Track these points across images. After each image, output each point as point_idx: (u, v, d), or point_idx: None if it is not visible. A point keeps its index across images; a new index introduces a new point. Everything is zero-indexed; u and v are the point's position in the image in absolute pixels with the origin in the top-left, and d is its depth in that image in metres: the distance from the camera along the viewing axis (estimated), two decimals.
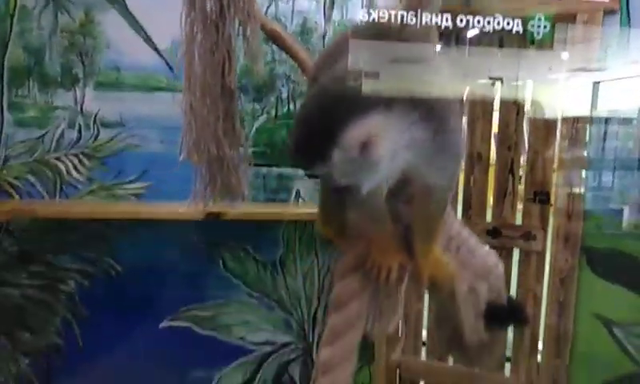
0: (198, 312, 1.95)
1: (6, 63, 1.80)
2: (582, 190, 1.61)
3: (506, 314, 1.05)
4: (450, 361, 1.79)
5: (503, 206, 1.71)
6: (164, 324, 1.93)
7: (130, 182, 1.86)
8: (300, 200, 1.93)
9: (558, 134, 1.62)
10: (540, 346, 1.70)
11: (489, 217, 1.75)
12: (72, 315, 1.90)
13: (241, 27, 1.16)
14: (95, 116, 1.84)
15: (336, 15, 1.88)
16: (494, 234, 1.68)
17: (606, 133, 1.60)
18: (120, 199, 1.86)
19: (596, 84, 1.56)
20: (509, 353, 1.74)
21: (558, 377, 1.65)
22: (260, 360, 1.99)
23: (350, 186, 0.75)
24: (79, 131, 1.84)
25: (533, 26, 0.92)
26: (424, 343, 1.87)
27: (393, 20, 0.81)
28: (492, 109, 1.71)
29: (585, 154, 1.61)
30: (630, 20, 1.53)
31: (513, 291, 1.64)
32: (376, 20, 0.81)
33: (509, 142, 1.69)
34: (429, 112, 0.76)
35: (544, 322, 1.68)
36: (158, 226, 1.78)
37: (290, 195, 1.92)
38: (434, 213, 0.90)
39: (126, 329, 1.90)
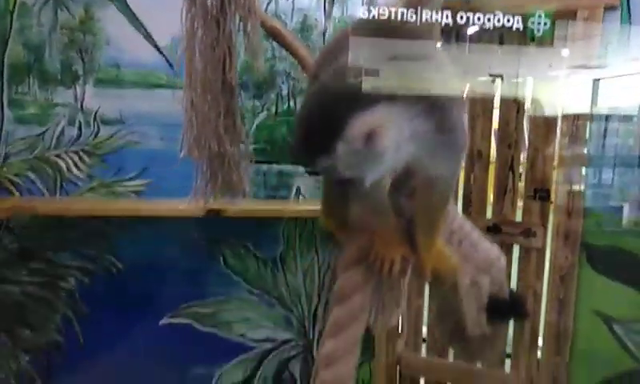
0: (198, 309, 1.95)
1: (5, 60, 1.80)
2: (582, 188, 1.61)
3: (507, 307, 1.05)
4: (451, 357, 1.80)
5: (503, 203, 1.71)
6: (164, 321, 1.93)
7: (130, 179, 1.86)
8: (300, 197, 1.93)
9: (558, 131, 1.62)
10: (540, 342, 1.70)
11: (489, 214, 1.75)
12: (72, 312, 1.90)
13: (241, 23, 1.16)
14: (95, 113, 1.84)
15: (336, 12, 1.88)
16: (494, 231, 1.68)
17: (606, 130, 1.60)
18: (120, 196, 1.86)
19: (596, 81, 1.56)
20: (509, 349, 1.74)
21: (558, 374, 1.65)
22: (260, 357, 1.99)
23: (354, 179, 0.76)
24: (79, 128, 1.84)
25: (533, 22, 0.92)
26: (424, 340, 1.87)
27: (393, 17, 0.81)
28: (492, 106, 1.71)
29: (585, 151, 1.61)
30: (630, 17, 1.53)
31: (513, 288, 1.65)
32: (376, 17, 0.81)
33: (509, 139, 1.69)
34: (432, 104, 0.76)
35: (544, 318, 1.68)
36: (158, 223, 1.78)
37: (290, 192, 1.92)
38: (436, 205, 0.90)
39: (127, 326, 1.90)
